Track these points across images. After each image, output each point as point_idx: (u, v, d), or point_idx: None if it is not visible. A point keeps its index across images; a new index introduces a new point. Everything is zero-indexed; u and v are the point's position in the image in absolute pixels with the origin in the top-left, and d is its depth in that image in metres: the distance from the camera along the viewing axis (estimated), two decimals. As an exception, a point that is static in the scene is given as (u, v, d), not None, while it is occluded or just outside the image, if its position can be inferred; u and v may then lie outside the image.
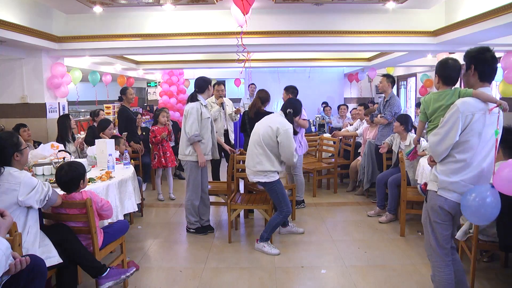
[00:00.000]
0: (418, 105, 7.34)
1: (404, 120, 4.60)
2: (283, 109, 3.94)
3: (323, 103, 10.19)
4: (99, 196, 2.94)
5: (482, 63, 2.34)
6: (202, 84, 4.20)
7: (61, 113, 6.25)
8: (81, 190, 2.89)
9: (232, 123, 6.09)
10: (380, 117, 5.06)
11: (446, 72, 2.47)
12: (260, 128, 3.79)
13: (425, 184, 2.84)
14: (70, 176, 2.81)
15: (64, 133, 5.00)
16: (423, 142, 4.15)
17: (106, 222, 3.21)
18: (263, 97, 4.96)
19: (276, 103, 12.15)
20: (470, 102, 2.28)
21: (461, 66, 2.48)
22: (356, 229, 4.42)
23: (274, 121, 3.76)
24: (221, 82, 5.79)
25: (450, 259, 2.45)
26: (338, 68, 11.57)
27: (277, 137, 3.67)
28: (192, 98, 4.20)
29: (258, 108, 4.92)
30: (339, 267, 3.46)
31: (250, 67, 8.74)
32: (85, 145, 5.07)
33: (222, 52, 7.12)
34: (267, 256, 3.69)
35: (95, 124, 6.06)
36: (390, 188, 4.50)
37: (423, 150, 4.14)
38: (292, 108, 3.91)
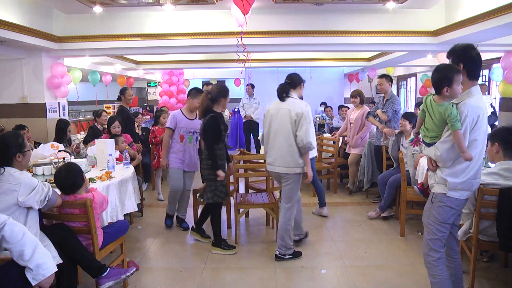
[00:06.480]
0: (418, 105, 7.34)
1: (411, 117, 4.53)
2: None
3: (322, 103, 10.18)
4: (102, 194, 2.95)
5: (470, 61, 2.37)
6: (296, 79, 3.60)
7: (61, 113, 6.25)
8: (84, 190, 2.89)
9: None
10: (382, 112, 4.98)
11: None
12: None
13: (422, 184, 2.87)
14: (69, 182, 2.79)
15: (60, 138, 5.02)
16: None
17: (106, 223, 3.21)
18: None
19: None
20: (474, 105, 2.30)
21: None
22: (356, 229, 4.41)
23: None
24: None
25: (444, 252, 2.50)
26: (338, 68, 11.57)
27: None
28: (286, 92, 3.52)
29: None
30: (339, 267, 3.46)
31: (250, 67, 8.73)
32: (81, 148, 5.08)
33: (222, 52, 7.13)
34: (267, 256, 3.70)
35: (96, 124, 6.08)
36: (388, 188, 4.50)
37: (420, 152, 4.13)
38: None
